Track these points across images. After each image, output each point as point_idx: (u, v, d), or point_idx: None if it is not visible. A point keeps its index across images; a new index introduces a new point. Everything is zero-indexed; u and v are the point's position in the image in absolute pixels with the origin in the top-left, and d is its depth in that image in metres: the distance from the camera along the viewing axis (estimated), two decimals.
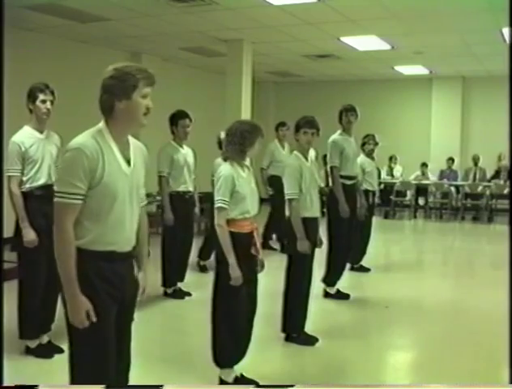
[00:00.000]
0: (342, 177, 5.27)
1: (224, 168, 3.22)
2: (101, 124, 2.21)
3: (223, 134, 6.10)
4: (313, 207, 4.02)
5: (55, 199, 2.12)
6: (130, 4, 6.65)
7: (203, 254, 6.39)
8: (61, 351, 3.66)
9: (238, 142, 3.20)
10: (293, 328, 3.97)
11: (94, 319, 2.12)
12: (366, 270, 6.43)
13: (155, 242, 7.04)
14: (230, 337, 3.21)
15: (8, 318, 3.65)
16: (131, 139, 2.30)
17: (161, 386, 2.57)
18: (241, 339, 3.26)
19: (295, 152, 4.10)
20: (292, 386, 3.16)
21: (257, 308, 3.33)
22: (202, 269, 6.30)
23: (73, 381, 2.22)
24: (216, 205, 3.16)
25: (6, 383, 2.69)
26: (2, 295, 3.46)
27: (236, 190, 3.17)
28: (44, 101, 3.64)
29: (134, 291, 2.34)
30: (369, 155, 6.51)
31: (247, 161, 3.37)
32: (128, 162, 2.22)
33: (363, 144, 6.53)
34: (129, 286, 2.28)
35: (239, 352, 3.28)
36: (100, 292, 2.16)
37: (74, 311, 2.12)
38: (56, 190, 2.13)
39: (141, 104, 2.18)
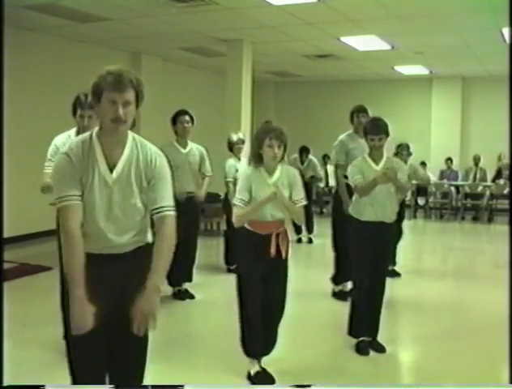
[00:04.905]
0: (347, 177, 5.26)
1: (244, 169, 3.44)
2: (96, 128, 2.22)
3: (234, 137, 6.13)
4: (379, 210, 3.92)
5: (57, 207, 2.16)
6: (130, 4, 6.65)
7: (228, 259, 6.39)
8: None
9: (252, 144, 3.36)
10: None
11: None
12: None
13: None
14: (247, 330, 3.41)
15: (8, 318, 3.65)
16: (137, 145, 2.24)
17: (181, 386, 2.58)
18: (256, 333, 3.39)
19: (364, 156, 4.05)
20: (308, 386, 3.17)
21: (280, 306, 3.44)
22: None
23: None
24: (233, 201, 3.36)
25: (5, 383, 2.69)
26: (2, 295, 3.46)
27: (252, 192, 3.27)
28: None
29: (129, 298, 2.18)
30: None
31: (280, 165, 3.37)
32: (111, 170, 2.17)
33: (395, 154, 6.20)
34: (115, 291, 2.20)
35: (256, 345, 3.42)
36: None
37: (79, 316, 2.07)
38: (55, 197, 2.16)
39: (107, 110, 2.11)
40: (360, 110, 5.16)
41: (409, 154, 6.42)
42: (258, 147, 3.29)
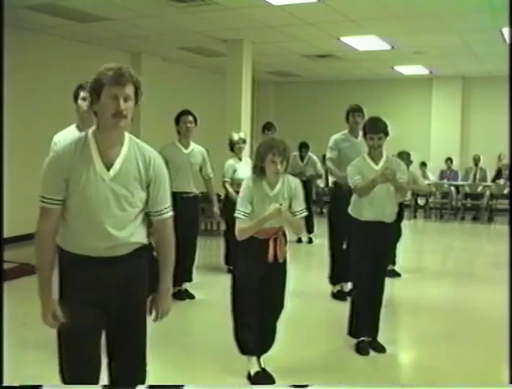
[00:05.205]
0: (339, 177, 5.28)
1: (246, 180, 3.41)
2: (92, 128, 2.22)
3: (235, 136, 6.14)
4: (378, 210, 3.93)
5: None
6: (130, 4, 6.65)
7: (229, 260, 6.37)
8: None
9: (255, 158, 3.36)
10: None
11: (62, 320, 2.18)
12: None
13: None
14: (241, 328, 3.42)
15: (8, 318, 3.65)
16: (134, 145, 2.24)
17: (182, 385, 2.59)
18: (250, 331, 3.39)
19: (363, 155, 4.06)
20: (306, 386, 3.17)
21: (278, 307, 3.47)
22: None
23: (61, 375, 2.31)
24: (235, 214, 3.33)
25: (6, 383, 2.69)
26: (2, 295, 3.46)
27: (253, 204, 3.29)
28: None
29: (129, 300, 2.27)
30: None
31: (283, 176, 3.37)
32: (109, 168, 2.16)
33: None
34: (115, 293, 2.22)
35: (250, 342, 3.42)
36: (71, 292, 2.19)
37: (44, 314, 2.19)
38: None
39: (108, 105, 2.10)
40: (355, 110, 5.17)
41: (410, 162, 6.48)
42: (261, 161, 3.30)
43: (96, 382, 2.29)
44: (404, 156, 6.39)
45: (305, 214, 3.41)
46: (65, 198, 2.16)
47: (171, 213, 2.35)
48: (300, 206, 3.37)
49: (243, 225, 3.26)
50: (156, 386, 2.70)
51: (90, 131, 2.21)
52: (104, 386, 2.35)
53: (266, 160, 3.27)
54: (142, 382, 2.38)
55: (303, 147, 8.84)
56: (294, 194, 3.38)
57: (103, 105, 2.12)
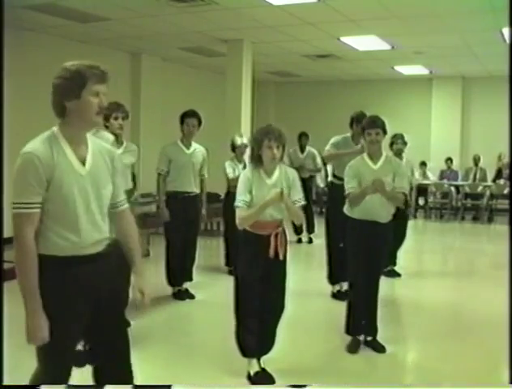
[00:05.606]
0: (335, 177, 5.27)
1: (244, 171, 3.49)
2: (55, 127, 2.18)
3: (239, 141, 6.16)
4: (371, 209, 3.90)
5: (12, 211, 2.07)
6: (130, 4, 6.65)
7: (229, 261, 6.33)
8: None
9: (252, 146, 3.39)
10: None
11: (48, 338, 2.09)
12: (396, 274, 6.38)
13: (157, 242, 7.05)
14: (243, 330, 3.41)
15: (8, 318, 3.64)
16: (94, 140, 2.27)
17: (170, 386, 2.58)
18: (252, 333, 3.38)
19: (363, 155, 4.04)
20: (304, 386, 3.17)
21: (279, 307, 3.46)
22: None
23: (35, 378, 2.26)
24: (235, 204, 3.33)
25: (6, 382, 2.69)
26: (2, 295, 3.45)
27: (252, 194, 3.29)
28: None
29: (114, 292, 2.29)
30: (398, 155, 6.12)
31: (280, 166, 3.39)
32: (83, 163, 2.16)
33: (391, 144, 6.34)
34: (101, 288, 2.21)
35: (252, 345, 3.41)
36: (62, 298, 2.12)
37: (34, 328, 2.07)
38: (12, 201, 2.09)
39: (92, 103, 2.10)
40: (360, 120, 5.03)
41: (404, 143, 6.46)
42: (258, 148, 3.31)
43: (66, 382, 2.27)
44: (399, 138, 6.41)
45: (304, 203, 3.42)
46: (44, 200, 2.09)
47: (127, 204, 2.42)
48: (298, 194, 3.39)
49: (243, 213, 3.26)
50: (143, 386, 2.69)
51: (55, 129, 2.17)
52: (95, 386, 2.35)
53: (262, 146, 3.28)
54: (131, 382, 2.37)
55: (303, 135, 8.77)
56: (292, 184, 3.40)
57: (86, 103, 2.10)
